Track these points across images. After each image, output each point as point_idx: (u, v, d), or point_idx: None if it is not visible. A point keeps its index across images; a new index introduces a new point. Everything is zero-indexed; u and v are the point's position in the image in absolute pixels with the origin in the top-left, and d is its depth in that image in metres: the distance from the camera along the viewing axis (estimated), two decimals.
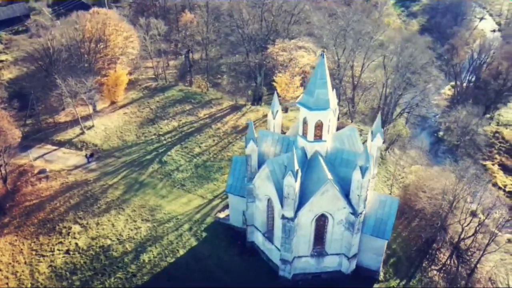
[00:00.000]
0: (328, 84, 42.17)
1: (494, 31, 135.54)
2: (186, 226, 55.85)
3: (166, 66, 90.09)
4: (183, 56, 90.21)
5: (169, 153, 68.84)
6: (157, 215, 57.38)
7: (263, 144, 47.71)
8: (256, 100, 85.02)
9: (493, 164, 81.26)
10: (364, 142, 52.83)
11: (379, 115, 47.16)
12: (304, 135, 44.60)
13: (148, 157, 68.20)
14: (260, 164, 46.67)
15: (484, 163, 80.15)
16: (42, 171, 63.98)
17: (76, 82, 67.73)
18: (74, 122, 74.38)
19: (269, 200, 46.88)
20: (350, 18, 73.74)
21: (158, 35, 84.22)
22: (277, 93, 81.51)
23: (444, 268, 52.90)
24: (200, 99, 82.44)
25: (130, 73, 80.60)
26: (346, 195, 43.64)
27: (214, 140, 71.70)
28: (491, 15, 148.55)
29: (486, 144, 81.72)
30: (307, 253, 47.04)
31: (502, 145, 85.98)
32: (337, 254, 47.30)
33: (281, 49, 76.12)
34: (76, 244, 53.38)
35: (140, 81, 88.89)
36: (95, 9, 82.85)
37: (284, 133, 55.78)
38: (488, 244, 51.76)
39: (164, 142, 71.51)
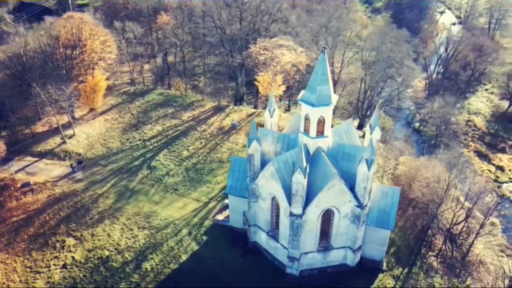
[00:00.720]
0: (329, 80, 42.67)
1: (454, 24, 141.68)
2: (185, 230, 54.99)
3: (142, 70, 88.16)
4: (161, 58, 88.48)
5: (157, 158, 67.49)
6: (154, 222, 56.17)
7: (263, 143, 47.58)
8: (238, 100, 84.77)
9: (468, 151, 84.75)
10: (362, 136, 53.83)
11: (376, 109, 48.24)
12: (306, 131, 44.87)
13: (136, 163, 66.60)
14: (261, 163, 46.62)
15: (461, 150, 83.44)
16: (25, 184, 61.16)
17: (56, 89, 65.10)
18: (54, 132, 71.53)
19: (273, 198, 46.91)
20: (331, 14, 74.85)
21: (134, 39, 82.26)
22: (259, 92, 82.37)
23: (440, 253, 54.75)
24: (182, 102, 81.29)
25: (107, 79, 78.29)
26: (350, 188, 44.29)
27: (201, 143, 70.91)
28: (449, 8, 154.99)
29: (461, 133, 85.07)
30: (313, 249, 47.41)
31: (475, 132, 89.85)
32: (342, 248, 47.96)
33: (262, 48, 76.22)
34: (73, 257, 51.42)
35: (116, 86, 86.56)
36: (70, 13, 79.83)
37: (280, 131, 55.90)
38: (481, 228, 54.03)
39: (150, 147, 70.04)
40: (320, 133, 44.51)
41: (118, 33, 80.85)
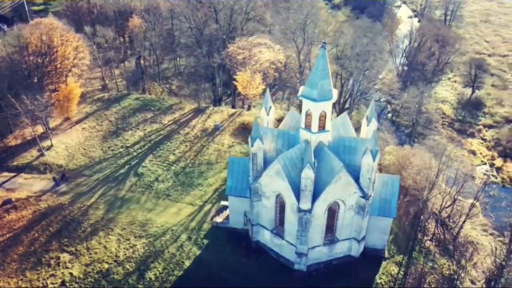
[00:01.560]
0: (329, 74, 43.13)
1: (411, 17, 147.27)
2: (184, 236, 53.86)
3: (115, 75, 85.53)
4: (134, 62, 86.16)
5: (143, 164, 65.67)
6: (150, 230, 54.62)
7: (264, 141, 47.37)
8: (217, 101, 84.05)
9: (441, 138, 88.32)
10: (357, 128, 54.81)
11: (372, 101, 49.25)
12: (308, 127, 45.13)
13: (122, 171, 64.51)
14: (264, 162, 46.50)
15: (435, 138, 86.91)
16: (7, 201, 57.71)
17: (31, 99, 61.85)
18: (29, 144, 68.04)
19: (277, 196, 46.88)
20: (309, 11, 75.66)
21: (105, 43, 79.57)
22: (238, 91, 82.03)
23: (434, 236, 56.77)
24: (160, 106, 79.53)
25: (81, 86, 75.35)
26: (354, 180, 45.00)
27: (186, 146, 69.71)
28: (404, 2, 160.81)
29: (434, 121, 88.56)
30: (320, 243, 47.83)
31: (444, 120, 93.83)
32: (347, 239, 48.69)
33: (240, 47, 75.99)
34: (71, 273, 49.04)
35: (89, 93, 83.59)
36: (38, 19, 75.98)
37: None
38: (470, 210, 56.57)
39: (134, 153, 68.05)
40: (322, 128, 44.90)
41: (89, 38, 77.87)
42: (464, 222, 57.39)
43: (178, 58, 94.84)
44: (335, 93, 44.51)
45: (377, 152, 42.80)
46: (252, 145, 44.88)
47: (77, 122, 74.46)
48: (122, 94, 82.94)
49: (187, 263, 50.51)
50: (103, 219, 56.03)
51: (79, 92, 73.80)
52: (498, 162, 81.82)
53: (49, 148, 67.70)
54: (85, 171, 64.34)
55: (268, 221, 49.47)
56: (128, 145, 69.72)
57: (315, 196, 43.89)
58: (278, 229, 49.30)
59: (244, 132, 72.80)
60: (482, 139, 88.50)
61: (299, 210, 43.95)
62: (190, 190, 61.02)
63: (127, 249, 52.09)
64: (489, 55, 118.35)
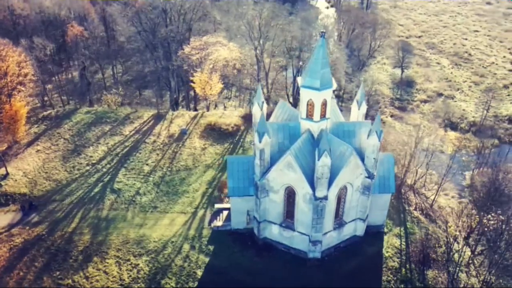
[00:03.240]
0: (329, 63, 44.13)
1: (328, 8, 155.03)
2: (186, 245, 51.71)
3: (58, 89, 78.74)
4: (78, 74, 79.88)
5: (117, 179, 61.61)
6: (149, 246, 51.58)
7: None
8: (175, 105, 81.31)
9: (386, 117, 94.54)
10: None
11: (362, 85, 51.24)
12: (310, 117, 45.76)
13: (96, 189, 59.92)
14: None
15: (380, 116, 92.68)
16: None
17: None
18: None
19: (286, 189, 46.95)
20: (264, 6, 75.91)
21: (45, 56, 72.76)
22: (196, 93, 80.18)
23: (416, 206, 60.88)
24: (115, 117, 74.91)
25: (26, 104, 68.30)
26: None
27: (158, 154, 66.67)
28: None
29: (376, 102, 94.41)
30: (331, 228, 48.87)
31: (385, 100, 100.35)
32: (353, 221, 50.35)
33: (195, 48, 74.21)
34: None
35: (28, 112, 75.73)
36: None
37: None
38: (443, 179, 61.74)
39: (104, 169, 63.52)
40: (323, 115, 45.87)
41: (26, 51, 70.56)
42: (438, 190, 62.32)
43: (124, 65, 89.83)
44: (333, 80, 45.66)
45: (381, 132, 44.87)
46: (260, 141, 44.35)
47: (28, 144, 67.47)
48: (70, 109, 76.62)
49: (199, 273, 48.64)
50: (93, 243, 51.73)
51: (25, 112, 66.90)
52: (440, 132, 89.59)
53: (4, 177, 60.60)
54: (54, 196, 58.72)
55: (276, 215, 49.37)
56: (94, 161, 64.83)
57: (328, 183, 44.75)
58: (287, 222, 49.43)
59: (213, 133, 71.59)
60: (421, 113, 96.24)
61: (316, 198, 44.51)
62: (177, 199, 58.60)
63: (130, 270, 48.76)
64: (406, 37, 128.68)
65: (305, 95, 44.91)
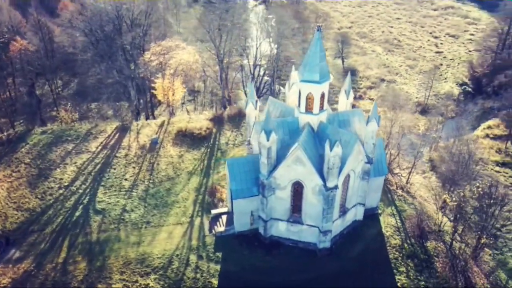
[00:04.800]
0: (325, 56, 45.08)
1: (256, 5, 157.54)
2: (193, 256, 49.96)
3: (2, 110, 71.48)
4: (27, 91, 72.93)
5: (97, 199, 57.67)
6: (154, 263, 49.05)
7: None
8: (136, 114, 77.64)
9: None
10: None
11: (348, 76, 52.88)
12: (309, 110, 46.43)
13: (77, 213, 55.61)
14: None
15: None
16: None
17: None
18: None
19: (293, 184, 47.20)
20: (227, 6, 74.63)
21: None
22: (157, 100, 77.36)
23: (397, 185, 64.32)
24: (76, 134, 69.80)
25: None
26: None
27: (134, 167, 63.39)
28: None
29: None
30: (337, 216, 50.04)
31: (334, 89, 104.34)
32: (354, 206, 52.03)
33: (155, 53, 71.43)
34: None
35: None
36: None
37: None
38: (415, 158, 65.99)
39: (80, 191, 59.09)
40: (321, 108, 46.80)
41: None
42: (412, 169, 66.52)
43: (77, 77, 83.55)
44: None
45: (379, 118, 46.84)
46: (268, 139, 44.10)
47: None
48: (22, 131, 69.92)
49: (215, 281, 47.30)
50: (92, 270, 48.07)
51: None
52: (390, 114, 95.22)
53: None
54: (31, 227, 53.60)
55: (283, 212, 49.45)
56: (66, 184, 60.03)
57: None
58: (295, 217, 49.75)
59: (185, 139, 69.55)
60: (370, 99, 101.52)
61: (327, 189, 45.30)
62: (169, 210, 56.28)
63: None
64: (338, 29, 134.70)
65: (305, 89, 45.48)
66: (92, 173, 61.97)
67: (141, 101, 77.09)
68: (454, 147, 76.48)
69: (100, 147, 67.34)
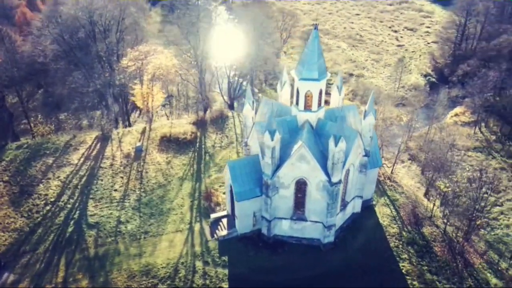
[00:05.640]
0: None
1: (216, 6, 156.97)
2: (199, 263, 49.17)
3: None
4: None
5: (89, 213, 55.51)
6: (159, 274, 47.88)
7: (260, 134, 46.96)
8: (114, 122, 75.14)
9: None
10: None
11: (339, 74, 53.77)
12: (308, 108, 46.90)
13: (69, 229, 53.30)
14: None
15: None
16: None
17: None
18: None
19: (296, 182, 47.50)
20: (201, 9, 73.36)
21: None
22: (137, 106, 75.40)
23: (385, 176, 66.07)
24: (55, 146, 66.69)
25: None
26: None
27: (122, 177, 61.45)
28: None
29: None
30: (338, 210, 50.84)
31: None
32: (352, 199, 53.08)
33: (132, 59, 69.40)
34: None
35: None
36: None
37: None
38: (398, 149, 68.30)
39: (68, 206, 56.62)
40: (319, 105, 47.41)
41: None
42: (395, 159, 68.77)
43: (50, 87, 79.50)
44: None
45: (375, 111, 48.02)
46: (272, 139, 44.14)
47: None
48: None
49: (225, 286, 46.84)
50: (95, 287, 46.12)
51: None
52: (363, 108, 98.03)
53: None
54: (22, 248, 50.83)
55: (286, 210, 49.65)
56: (52, 199, 57.34)
57: None
58: (298, 214, 50.10)
59: (171, 144, 68.20)
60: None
61: (331, 184, 45.94)
62: (166, 218, 55.03)
63: None
64: (302, 27, 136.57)
65: (303, 87, 45.92)
66: (79, 186, 59.48)
67: (118, 108, 74.60)
68: (428, 135, 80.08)
69: (82, 159, 64.72)
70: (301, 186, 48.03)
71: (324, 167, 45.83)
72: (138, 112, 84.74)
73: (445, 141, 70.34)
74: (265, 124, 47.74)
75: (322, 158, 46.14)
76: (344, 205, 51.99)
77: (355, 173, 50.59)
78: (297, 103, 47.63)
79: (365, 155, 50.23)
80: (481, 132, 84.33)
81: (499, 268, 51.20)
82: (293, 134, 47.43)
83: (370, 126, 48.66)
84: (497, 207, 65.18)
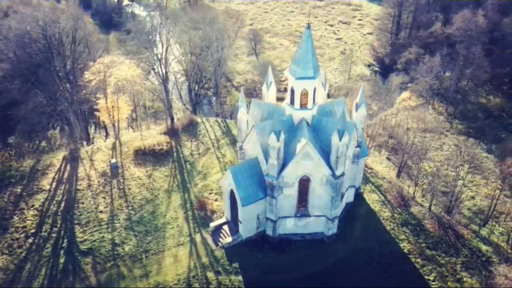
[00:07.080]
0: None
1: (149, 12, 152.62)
2: (210, 274, 48.15)
3: None
4: None
5: (78, 239, 51.88)
6: None
7: (265, 134, 47.09)
8: (80, 139, 70.57)
9: None
10: None
11: (323, 71, 55.04)
12: (304, 106, 47.72)
13: (62, 260, 49.53)
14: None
15: None
16: None
17: None
18: None
19: (301, 180, 48.20)
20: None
21: None
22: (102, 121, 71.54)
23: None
24: (19, 174, 61.33)
25: None
26: None
27: (104, 198, 58.10)
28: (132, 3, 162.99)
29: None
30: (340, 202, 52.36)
31: (259, 86, 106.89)
32: (347, 190, 54.89)
33: (94, 72, 65.61)
34: None
35: None
36: None
37: None
38: (370, 138, 71.44)
39: (53, 235, 52.54)
40: (314, 102, 48.44)
41: None
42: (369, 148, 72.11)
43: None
44: None
45: (366, 104, 50.09)
46: (278, 140, 44.39)
47: None
48: None
49: None
50: None
51: None
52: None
53: None
54: (13, 285, 46.13)
55: (290, 209, 50.18)
56: (32, 231, 52.79)
57: None
58: (302, 211, 50.85)
59: (147, 157, 65.59)
60: None
61: (335, 177, 47.22)
62: (163, 234, 53.06)
63: None
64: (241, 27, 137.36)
65: (299, 86, 46.63)
66: (59, 213, 55.30)
67: (81, 126, 70.33)
68: (383, 122, 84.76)
69: (54, 183, 60.16)
70: (304, 183, 48.85)
71: (327, 162, 47.02)
72: (100, 127, 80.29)
73: (401, 125, 75.04)
74: (265, 125, 48.03)
75: (323, 153, 47.26)
76: (342, 196, 53.64)
77: (349, 164, 52.40)
78: (292, 102, 48.25)
79: (357, 146, 52.27)
80: (430, 114, 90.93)
81: (483, 236, 55.94)
82: (291, 133, 47.94)
83: (362, 118, 50.70)
84: (460, 180, 71.24)
